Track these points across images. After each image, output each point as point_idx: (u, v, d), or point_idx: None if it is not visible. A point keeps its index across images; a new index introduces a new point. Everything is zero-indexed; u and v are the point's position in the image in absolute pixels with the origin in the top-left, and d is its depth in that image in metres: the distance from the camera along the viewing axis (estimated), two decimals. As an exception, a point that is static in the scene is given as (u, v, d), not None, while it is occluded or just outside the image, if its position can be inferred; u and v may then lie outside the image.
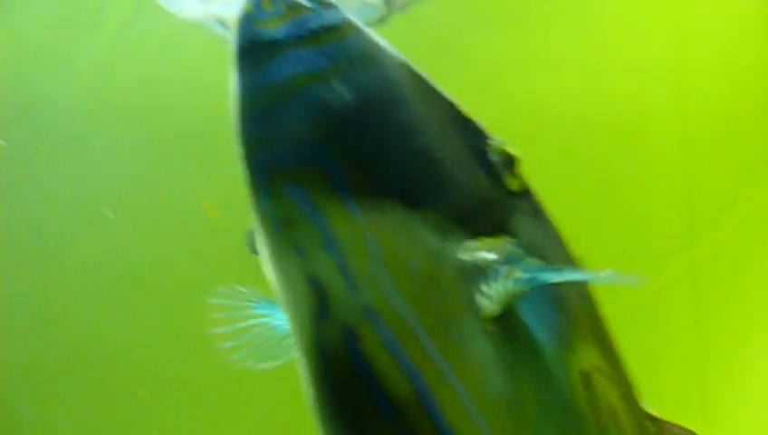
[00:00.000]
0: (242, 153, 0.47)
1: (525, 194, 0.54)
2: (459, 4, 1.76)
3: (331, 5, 0.47)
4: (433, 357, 0.46)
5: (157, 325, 1.60)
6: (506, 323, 0.49)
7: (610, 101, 2.36)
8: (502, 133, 0.60)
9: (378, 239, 0.46)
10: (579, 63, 2.31)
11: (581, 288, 0.56)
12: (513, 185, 0.53)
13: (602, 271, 0.49)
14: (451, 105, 0.52)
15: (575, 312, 0.54)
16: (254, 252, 0.51)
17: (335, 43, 0.46)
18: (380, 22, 1.27)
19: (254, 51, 0.46)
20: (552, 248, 0.55)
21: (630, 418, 0.57)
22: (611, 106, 2.36)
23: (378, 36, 0.50)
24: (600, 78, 2.34)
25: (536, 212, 0.55)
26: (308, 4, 0.46)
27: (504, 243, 0.50)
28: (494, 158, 0.53)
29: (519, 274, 0.48)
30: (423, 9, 1.38)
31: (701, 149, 2.48)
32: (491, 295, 0.48)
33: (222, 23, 1.31)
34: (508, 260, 0.48)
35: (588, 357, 0.53)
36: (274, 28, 0.46)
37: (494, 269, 0.48)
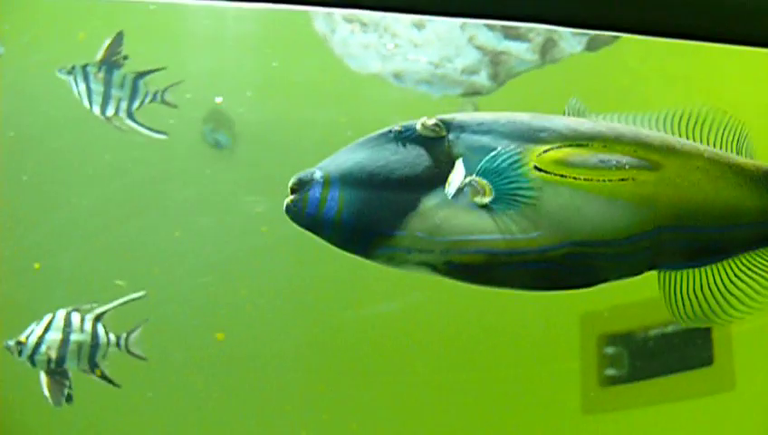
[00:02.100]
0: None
1: (446, 132, 0.85)
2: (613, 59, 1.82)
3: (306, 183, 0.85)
4: None
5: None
6: None
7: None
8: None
9: None
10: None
11: None
12: (438, 133, 0.84)
13: None
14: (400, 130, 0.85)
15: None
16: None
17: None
18: (538, 68, 1.41)
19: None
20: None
21: None
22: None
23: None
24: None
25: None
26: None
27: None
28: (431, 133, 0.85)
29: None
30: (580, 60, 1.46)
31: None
32: None
33: (397, 76, 1.44)
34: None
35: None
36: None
37: None
